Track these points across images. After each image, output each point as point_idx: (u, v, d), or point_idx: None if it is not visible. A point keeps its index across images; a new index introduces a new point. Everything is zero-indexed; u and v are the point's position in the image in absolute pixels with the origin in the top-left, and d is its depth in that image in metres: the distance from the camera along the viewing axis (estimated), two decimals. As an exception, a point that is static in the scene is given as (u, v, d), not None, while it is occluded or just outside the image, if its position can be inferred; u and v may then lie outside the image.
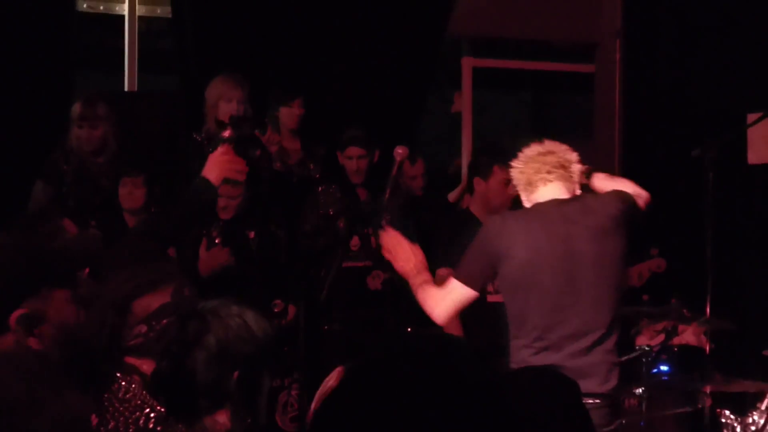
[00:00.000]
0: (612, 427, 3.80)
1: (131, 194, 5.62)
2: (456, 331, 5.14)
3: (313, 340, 6.04)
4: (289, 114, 6.22)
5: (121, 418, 2.46)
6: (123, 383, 2.52)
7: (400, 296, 5.23)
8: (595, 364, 3.78)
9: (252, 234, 5.55)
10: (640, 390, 4.96)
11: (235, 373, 2.36)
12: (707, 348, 5.11)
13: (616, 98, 7.88)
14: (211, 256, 5.37)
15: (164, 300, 2.57)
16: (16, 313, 1.95)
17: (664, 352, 5.54)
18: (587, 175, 4.10)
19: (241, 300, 2.49)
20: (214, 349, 2.34)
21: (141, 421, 2.45)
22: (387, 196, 4.74)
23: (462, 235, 5.51)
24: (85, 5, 6.74)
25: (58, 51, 6.24)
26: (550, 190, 3.91)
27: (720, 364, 5.16)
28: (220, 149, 3.42)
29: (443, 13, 7.09)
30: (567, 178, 3.92)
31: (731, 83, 6.88)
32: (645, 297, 5.98)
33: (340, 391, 1.17)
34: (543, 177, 3.91)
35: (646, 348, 5.08)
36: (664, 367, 5.58)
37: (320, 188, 6.02)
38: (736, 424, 4.76)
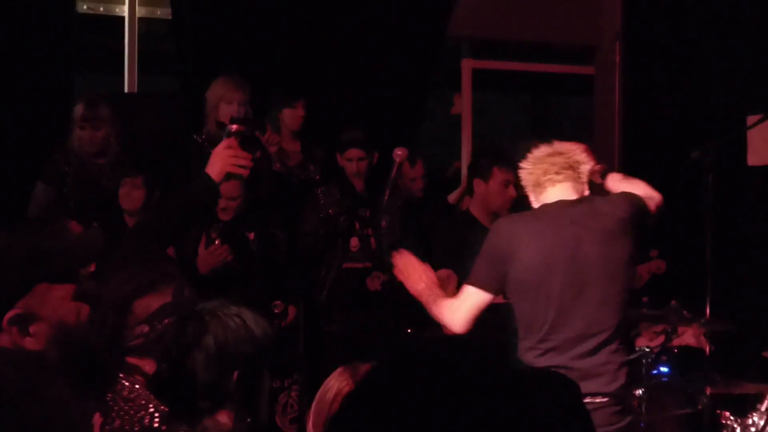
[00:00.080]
0: (620, 425, 3.80)
1: (130, 195, 5.62)
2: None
3: (313, 341, 6.05)
4: (292, 115, 6.22)
5: (126, 417, 2.47)
6: (126, 383, 2.52)
7: (400, 297, 5.23)
8: (601, 365, 3.78)
9: (252, 235, 5.55)
10: (640, 391, 4.95)
11: (235, 373, 2.36)
12: (707, 349, 5.11)
13: (615, 100, 7.88)
14: (210, 254, 5.36)
15: (165, 300, 2.58)
16: (10, 313, 1.94)
17: (664, 353, 5.54)
18: (602, 175, 4.11)
19: (240, 301, 2.50)
20: (213, 350, 2.34)
21: (146, 420, 2.46)
22: (386, 197, 4.74)
23: (462, 236, 5.52)
24: (85, 7, 6.74)
25: (58, 52, 6.23)
26: (559, 191, 3.92)
27: (720, 365, 5.16)
28: (223, 143, 3.30)
29: (443, 15, 7.09)
30: (575, 179, 3.93)
31: (731, 85, 6.88)
32: (644, 299, 5.98)
33: (358, 393, 1.17)
34: (551, 178, 3.91)
35: (646, 349, 5.07)
36: (664, 369, 5.58)
37: (320, 190, 6.02)
38: (736, 426, 4.76)
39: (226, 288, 5.08)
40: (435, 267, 5.43)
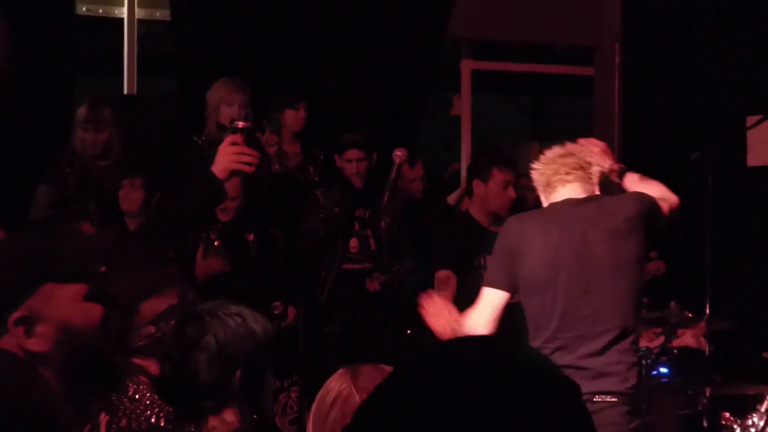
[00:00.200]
0: (631, 426, 3.80)
1: (129, 196, 5.61)
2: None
3: (312, 342, 6.05)
4: (294, 117, 6.22)
5: (133, 416, 2.47)
6: (131, 384, 2.53)
7: (399, 298, 5.24)
8: (612, 364, 3.78)
9: (251, 236, 5.55)
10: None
11: (238, 372, 2.37)
12: (707, 350, 5.11)
13: (615, 101, 7.89)
14: (207, 264, 5.37)
15: (171, 302, 2.58)
16: (16, 314, 1.93)
17: (664, 354, 5.54)
18: (620, 174, 4.13)
19: (240, 301, 2.50)
20: (214, 350, 2.35)
21: (153, 419, 2.46)
22: (386, 198, 4.74)
23: (461, 237, 5.53)
24: (84, 8, 6.74)
25: (58, 54, 6.24)
26: (568, 191, 3.95)
27: (719, 366, 5.17)
28: (228, 139, 3.26)
29: (442, 16, 7.09)
30: (586, 179, 3.96)
31: (730, 86, 6.88)
32: (644, 300, 5.98)
33: (373, 402, 1.17)
34: (561, 178, 3.94)
35: (646, 350, 5.08)
36: (663, 369, 5.58)
37: (319, 191, 6.02)
38: (735, 426, 4.76)
39: (225, 289, 5.08)
40: (434, 268, 5.47)
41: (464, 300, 5.34)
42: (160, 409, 2.49)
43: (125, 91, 6.81)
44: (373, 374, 2.28)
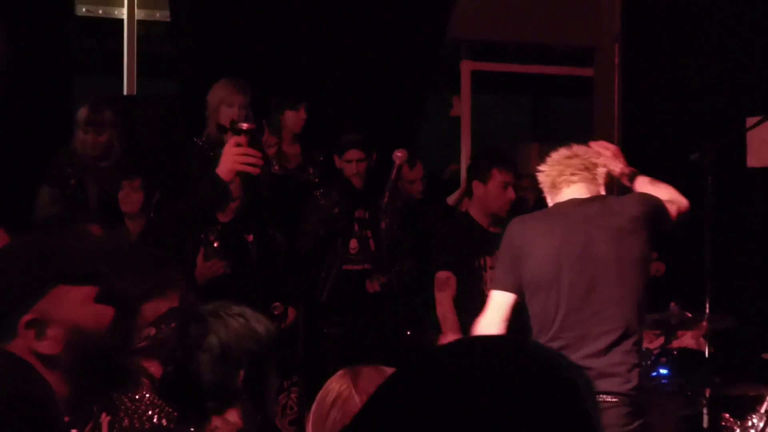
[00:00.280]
0: (632, 427, 3.80)
1: (128, 198, 5.62)
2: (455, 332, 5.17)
3: (312, 343, 6.05)
4: (294, 118, 6.22)
5: (135, 416, 2.48)
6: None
7: (399, 299, 5.23)
8: (615, 365, 3.78)
9: (250, 237, 5.55)
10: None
11: (241, 372, 2.38)
12: (706, 351, 5.11)
13: (615, 102, 7.89)
14: (208, 267, 5.37)
15: (172, 304, 2.59)
16: (26, 317, 1.93)
17: (664, 355, 5.54)
18: (630, 178, 4.15)
19: (240, 302, 2.51)
20: (217, 350, 2.36)
21: (155, 419, 2.47)
22: (386, 199, 4.73)
23: (461, 238, 5.53)
24: (84, 9, 6.74)
25: (58, 55, 6.24)
26: (573, 192, 3.98)
27: (719, 367, 5.17)
28: (232, 140, 3.28)
29: (442, 17, 7.09)
30: (591, 180, 3.98)
31: (730, 86, 6.88)
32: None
33: (375, 404, 1.17)
34: (566, 179, 3.97)
35: (646, 351, 5.08)
36: (663, 370, 5.58)
37: (318, 192, 6.02)
38: (735, 427, 4.76)
39: (224, 290, 5.08)
40: (434, 269, 5.47)
41: (464, 300, 5.37)
42: (160, 409, 2.49)
43: (125, 92, 6.81)
44: (373, 375, 2.28)
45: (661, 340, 5.39)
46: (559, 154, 4.02)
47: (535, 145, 9.80)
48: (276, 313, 5.45)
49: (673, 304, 5.26)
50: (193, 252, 5.37)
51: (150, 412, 2.48)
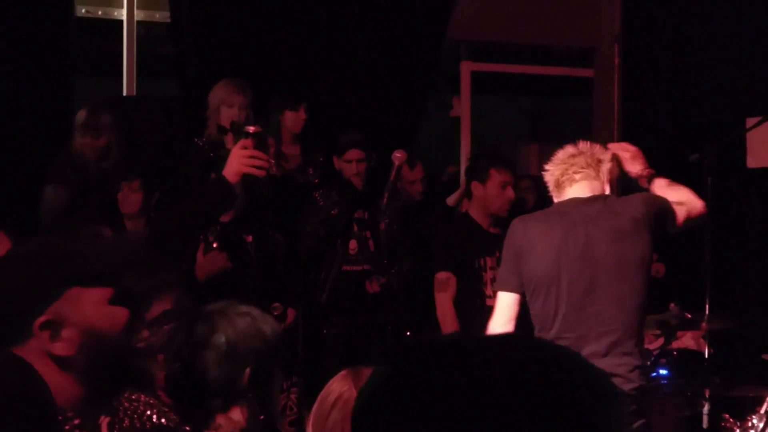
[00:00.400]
0: (633, 427, 3.80)
1: (128, 199, 5.62)
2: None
3: (312, 344, 6.04)
4: (294, 118, 6.21)
5: (135, 416, 2.48)
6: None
7: (399, 300, 5.23)
8: (615, 366, 3.78)
9: (250, 238, 5.54)
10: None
11: (247, 370, 2.39)
12: (706, 352, 5.11)
13: (614, 103, 7.89)
14: (209, 261, 5.36)
15: (165, 307, 2.59)
16: (41, 318, 1.93)
17: (664, 356, 5.54)
18: (649, 180, 4.14)
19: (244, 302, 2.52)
20: (223, 348, 2.38)
21: (154, 418, 2.47)
22: (385, 200, 4.73)
23: (461, 239, 5.53)
24: (83, 10, 6.73)
25: (57, 56, 6.23)
26: (576, 190, 3.99)
27: (719, 368, 5.16)
28: (239, 143, 3.30)
29: (442, 18, 7.09)
30: (594, 177, 3.99)
31: (730, 87, 6.88)
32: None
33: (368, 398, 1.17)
34: (569, 177, 3.99)
35: (646, 352, 5.07)
36: (663, 371, 5.58)
37: (318, 193, 6.02)
38: (735, 428, 4.76)
39: (224, 291, 5.07)
40: (435, 269, 5.47)
41: (464, 301, 5.37)
42: (158, 409, 2.50)
43: (125, 93, 6.81)
44: (375, 377, 2.28)
45: (661, 340, 5.39)
46: (564, 153, 4.04)
47: (535, 145, 9.81)
48: (275, 314, 5.44)
49: (672, 304, 5.26)
50: (192, 252, 5.36)
51: (149, 412, 2.49)
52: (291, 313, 5.67)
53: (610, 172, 4.05)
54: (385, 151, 5.20)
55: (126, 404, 2.50)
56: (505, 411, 1.08)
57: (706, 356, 5.09)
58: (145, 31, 7.03)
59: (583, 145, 4.06)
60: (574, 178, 3.98)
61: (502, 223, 5.19)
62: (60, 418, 1.94)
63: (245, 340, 2.40)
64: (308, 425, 2.40)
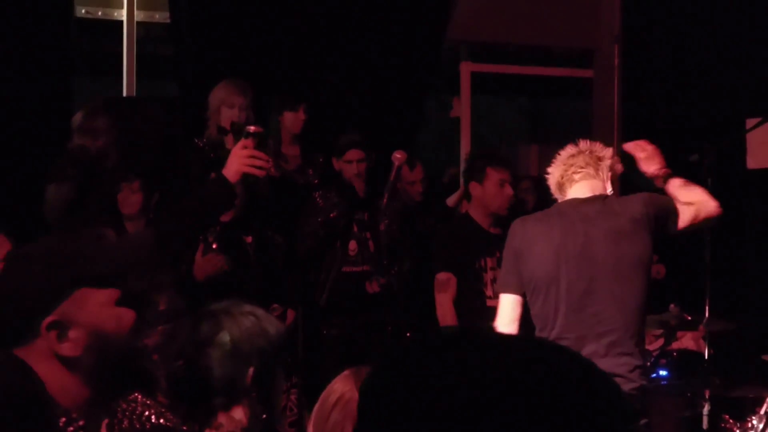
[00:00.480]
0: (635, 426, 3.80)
1: (127, 199, 5.62)
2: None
3: (311, 345, 6.04)
4: (293, 119, 6.21)
5: (134, 417, 2.48)
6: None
7: (399, 300, 5.23)
8: (615, 366, 3.78)
9: (249, 238, 5.54)
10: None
11: (251, 369, 2.39)
12: (706, 353, 5.11)
13: (614, 103, 7.89)
14: (207, 261, 5.36)
15: (159, 308, 2.60)
16: (48, 318, 1.93)
17: (664, 356, 5.54)
18: (665, 180, 4.13)
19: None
20: (228, 346, 2.39)
21: (153, 419, 2.48)
22: (385, 200, 4.73)
23: (461, 239, 5.53)
24: (83, 11, 6.73)
25: (57, 57, 6.23)
26: (577, 190, 4.00)
27: (719, 368, 5.16)
28: (239, 143, 3.32)
29: (442, 18, 7.09)
30: (593, 176, 4.00)
31: (730, 88, 6.88)
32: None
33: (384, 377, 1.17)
34: (569, 178, 4.00)
35: (645, 352, 5.07)
36: (663, 372, 5.58)
37: (317, 193, 6.01)
38: (735, 429, 4.76)
39: (224, 291, 5.06)
40: (435, 270, 5.47)
41: (464, 302, 5.37)
42: (156, 409, 2.50)
43: (124, 94, 6.81)
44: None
45: (661, 341, 5.39)
46: (564, 153, 4.05)
47: (535, 146, 9.81)
48: (275, 314, 5.45)
49: (672, 305, 5.26)
50: (191, 252, 5.36)
51: (147, 413, 2.49)
52: (290, 314, 5.67)
53: (611, 169, 4.05)
54: (385, 152, 5.20)
55: (124, 405, 2.50)
56: (506, 410, 1.08)
57: (706, 357, 5.09)
58: (144, 31, 7.02)
59: (584, 144, 4.06)
60: (574, 178, 3.99)
61: (503, 223, 5.19)
62: (64, 419, 1.95)
63: (249, 340, 2.41)
64: (309, 425, 2.41)
